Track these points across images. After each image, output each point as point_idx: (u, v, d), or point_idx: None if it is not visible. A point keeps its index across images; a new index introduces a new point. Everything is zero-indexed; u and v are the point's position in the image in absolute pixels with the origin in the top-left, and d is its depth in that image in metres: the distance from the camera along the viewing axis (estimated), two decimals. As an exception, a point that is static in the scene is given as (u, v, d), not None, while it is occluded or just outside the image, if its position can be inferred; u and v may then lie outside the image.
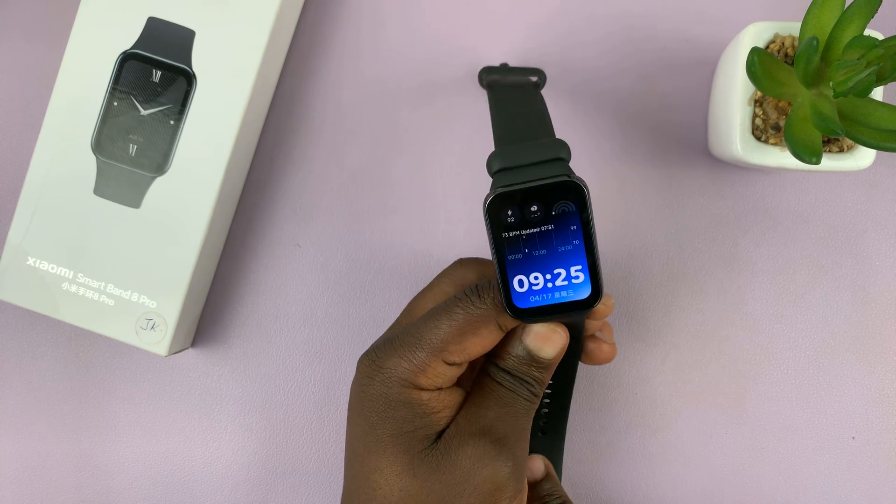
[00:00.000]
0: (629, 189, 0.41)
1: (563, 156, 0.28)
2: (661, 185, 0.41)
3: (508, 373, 0.30)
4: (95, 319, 0.38)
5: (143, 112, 0.38)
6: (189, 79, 0.38)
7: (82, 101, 0.38)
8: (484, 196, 0.28)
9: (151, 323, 0.38)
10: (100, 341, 0.42)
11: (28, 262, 0.38)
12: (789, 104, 0.35)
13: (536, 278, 0.28)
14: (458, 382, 0.32)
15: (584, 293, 0.28)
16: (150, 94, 0.38)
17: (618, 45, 0.41)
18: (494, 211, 0.28)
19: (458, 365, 0.30)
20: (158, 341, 0.38)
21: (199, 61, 0.38)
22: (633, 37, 0.41)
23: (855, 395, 0.41)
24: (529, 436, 0.31)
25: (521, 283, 0.28)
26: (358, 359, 0.31)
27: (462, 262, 0.34)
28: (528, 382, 0.30)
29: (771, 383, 0.41)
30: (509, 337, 0.31)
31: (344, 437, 0.42)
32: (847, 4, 0.32)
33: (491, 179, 0.28)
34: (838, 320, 0.41)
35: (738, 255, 0.41)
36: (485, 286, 0.30)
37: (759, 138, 0.35)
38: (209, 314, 0.42)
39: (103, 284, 0.38)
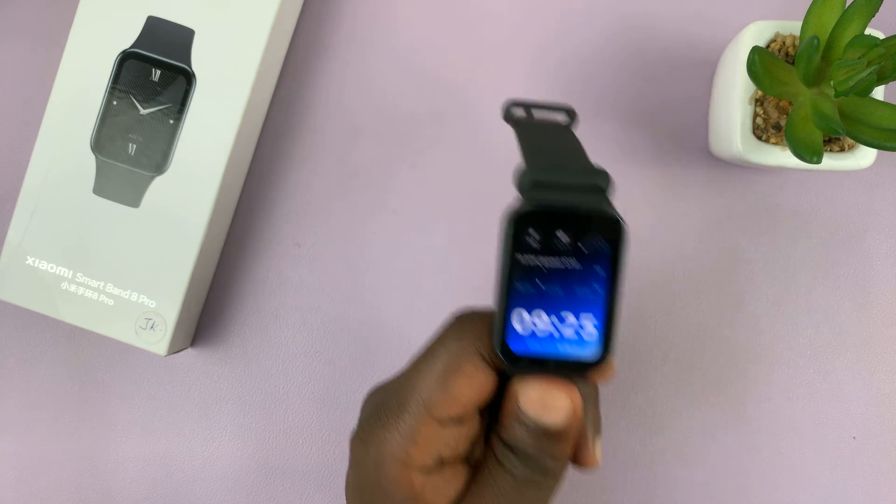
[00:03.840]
0: (630, 189, 0.41)
1: (605, 187, 0.25)
2: (662, 184, 0.41)
3: (509, 447, 0.25)
4: (95, 319, 0.38)
5: (143, 111, 0.38)
6: (188, 78, 0.38)
7: (82, 101, 0.38)
8: (509, 209, 0.24)
9: (151, 322, 0.38)
10: (99, 341, 0.42)
11: (27, 262, 0.38)
12: (790, 103, 0.35)
13: (541, 320, 0.24)
14: (473, 454, 0.27)
15: (592, 353, 0.24)
16: (149, 94, 0.38)
17: (618, 44, 0.41)
18: (518, 227, 0.24)
19: (458, 423, 0.25)
20: (158, 341, 0.38)
21: (199, 60, 0.38)
22: (633, 36, 0.41)
23: (855, 395, 0.40)
24: None
25: (521, 320, 0.24)
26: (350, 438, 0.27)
27: (462, 323, 0.26)
28: (534, 457, 0.24)
29: (771, 383, 0.41)
30: (510, 399, 0.25)
31: (343, 436, 0.42)
32: (848, 4, 0.32)
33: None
34: (839, 320, 0.41)
35: (738, 254, 0.41)
36: (463, 316, 0.26)
37: (759, 138, 0.35)
38: (209, 314, 0.42)
39: (103, 284, 0.38)
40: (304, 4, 0.42)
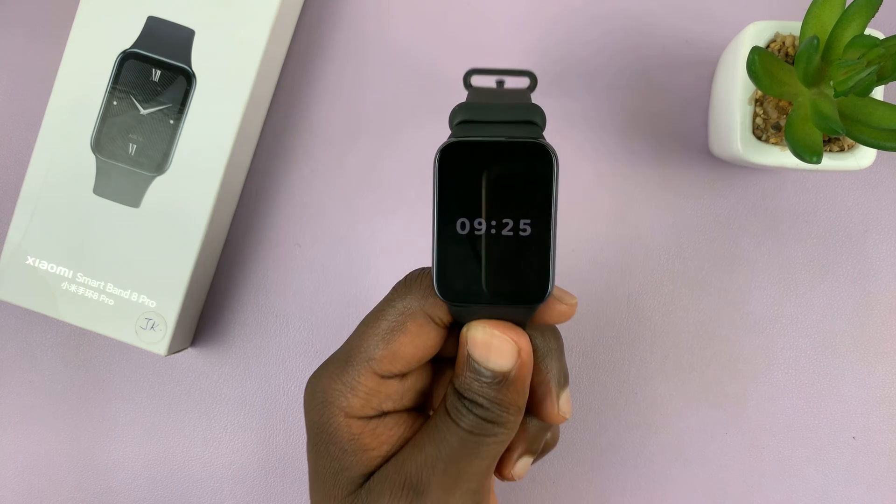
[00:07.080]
0: (629, 189, 0.41)
1: (537, 121, 0.24)
2: (661, 184, 0.41)
3: (460, 395, 0.25)
4: (95, 319, 0.38)
5: (143, 111, 0.38)
6: (189, 78, 0.38)
7: (82, 101, 0.38)
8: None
9: (151, 322, 0.38)
10: (99, 341, 0.42)
11: (27, 262, 0.38)
12: (790, 103, 0.35)
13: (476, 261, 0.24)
14: (422, 406, 0.28)
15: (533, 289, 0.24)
16: (149, 94, 0.38)
17: (618, 44, 0.41)
18: (446, 164, 0.24)
19: (400, 378, 0.26)
20: (158, 341, 0.38)
21: (199, 61, 0.38)
22: (633, 36, 0.41)
23: (855, 395, 0.40)
24: (481, 480, 0.25)
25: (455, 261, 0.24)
26: None
27: (408, 282, 0.27)
28: (483, 406, 0.24)
29: (771, 383, 0.41)
30: (461, 346, 0.25)
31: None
32: (848, 4, 0.32)
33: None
34: (838, 320, 0.41)
35: (738, 255, 0.41)
36: (412, 274, 0.26)
37: (759, 138, 0.35)
38: (209, 314, 0.42)
39: (103, 284, 0.38)
40: (304, 4, 0.42)
